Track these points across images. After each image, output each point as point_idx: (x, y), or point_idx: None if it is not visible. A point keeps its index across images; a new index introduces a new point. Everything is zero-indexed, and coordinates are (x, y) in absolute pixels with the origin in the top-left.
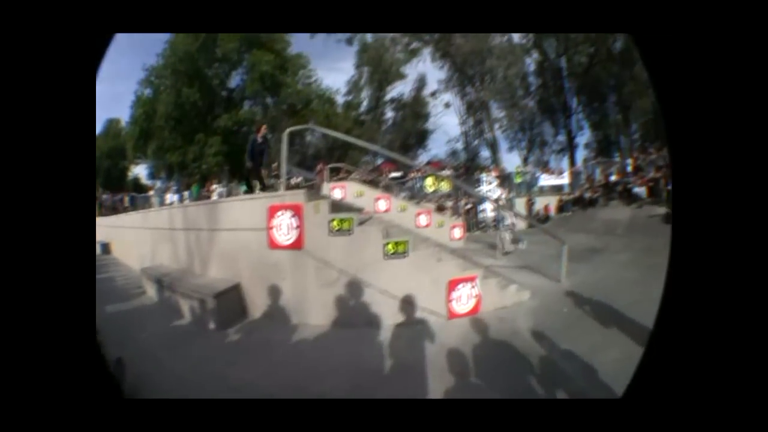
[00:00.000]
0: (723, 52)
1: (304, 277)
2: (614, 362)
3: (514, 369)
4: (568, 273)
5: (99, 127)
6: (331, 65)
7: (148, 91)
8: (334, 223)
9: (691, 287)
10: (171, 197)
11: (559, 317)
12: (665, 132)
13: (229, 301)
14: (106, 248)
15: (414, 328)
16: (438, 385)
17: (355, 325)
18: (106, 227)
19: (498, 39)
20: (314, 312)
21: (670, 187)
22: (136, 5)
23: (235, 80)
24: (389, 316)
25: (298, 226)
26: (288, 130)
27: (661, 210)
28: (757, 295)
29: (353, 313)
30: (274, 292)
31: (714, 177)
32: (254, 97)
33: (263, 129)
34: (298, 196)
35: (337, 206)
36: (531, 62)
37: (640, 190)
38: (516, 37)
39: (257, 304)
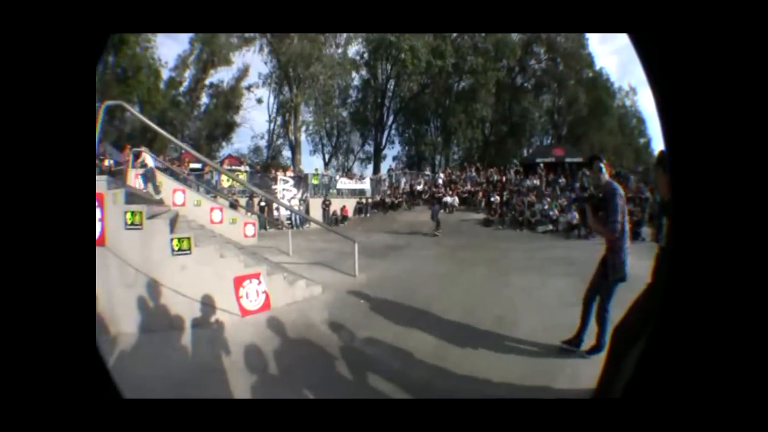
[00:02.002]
0: (723, 52)
1: (109, 278)
2: (430, 342)
3: (318, 360)
4: (367, 267)
5: None
6: (172, 34)
7: None
8: (128, 215)
9: (690, 287)
10: None
11: (357, 308)
12: (664, 132)
13: None
14: None
15: (211, 328)
16: (245, 383)
17: (158, 329)
18: None
19: (332, 50)
20: (124, 318)
21: (492, 199)
22: (133, 5)
23: None
24: (187, 316)
25: (101, 219)
26: (104, 104)
27: (476, 216)
28: (758, 294)
29: (155, 315)
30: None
31: (713, 177)
32: None
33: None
34: (99, 183)
35: (132, 197)
36: (357, 77)
37: (452, 200)
38: (351, 52)
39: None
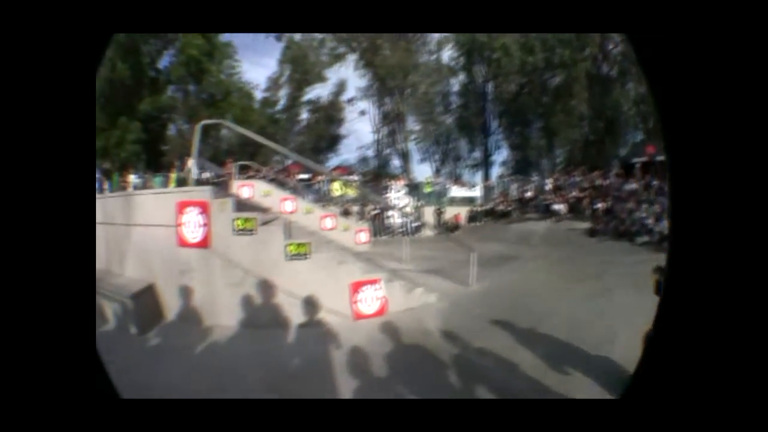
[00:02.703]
0: (721, 52)
1: (212, 277)
2: (534, 357)
3: (429, 366)
4: (480, 278)
5: None
6: (257, 60)
7: None
8: (238, 222)
9: (689, 288)
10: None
11: (470, 318)
12: (663, 132)
13: (146, 303)
14: None
15: (320, 328)
16: (351, 383)
17: (263, 326)
18: None
19: (426, 57)
20: (225, 313)
21: (597, 206)
22: (135, 5)
23: (164, 61)
24: (297, 316)
25: (204, 224)
26: (201, 123)
27: (582, 225)
28: (757, 295)
29: (260, 313)
30: (186, 292)
31: (712, 177)
32: (178, 82)
33: None
34: (204, 193)
35: (242, 205)
36: (456, 83)
37: (560, 207)
38: (445, 57)
39: (171, 305)
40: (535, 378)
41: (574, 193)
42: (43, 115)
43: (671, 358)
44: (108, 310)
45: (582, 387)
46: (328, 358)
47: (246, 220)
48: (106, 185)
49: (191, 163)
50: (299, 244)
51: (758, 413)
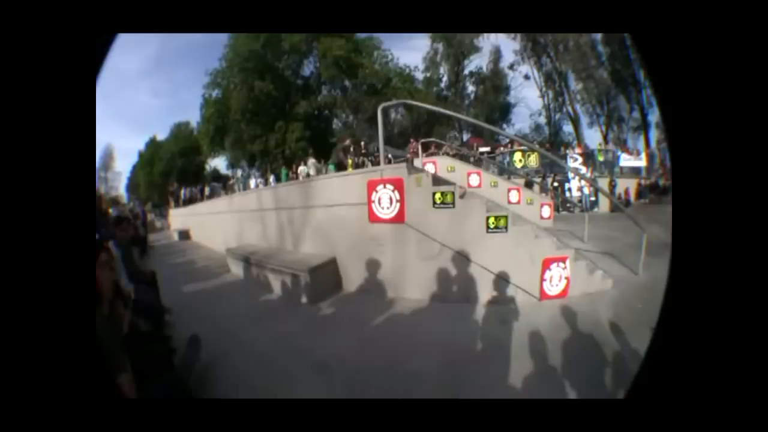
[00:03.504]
0: (723, 51)
1: (404, 251)
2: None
3: (593, 360)
4: (647, 266)
5: (166, 133)
6: (404, 44)
7: (215, 93)
8: (437, 195)
9: (693, 287)
10: (254, 182)
11: (634, 313)
12: (665, 132)
13: (324, 276)
14: (183, 235)
15: (507, 306)
16: (525, 369)
17: (450, 300)
18: (182, 216)
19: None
20: (411, 286)
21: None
22: (140, 5)
23: (308, 68)
24: (485, 292)
25: (399, 200)
26: (381, 106)
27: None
28: (760, 295)
29: (450, 287)
30: (372, 265)
31: (716, 177)
32: (332, 81)
33: None
34: (399, 170)
35: (436, 180)
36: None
37: None
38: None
39: (353, 278)
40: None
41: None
42: (43, 116)
43: (674, 359)
44: (275, 283)
45: None
46: (508, 340)
47: (444, 193)
48: (270, 181)
49: (380, 145)
50: (498, 217)
51: (761, 414)
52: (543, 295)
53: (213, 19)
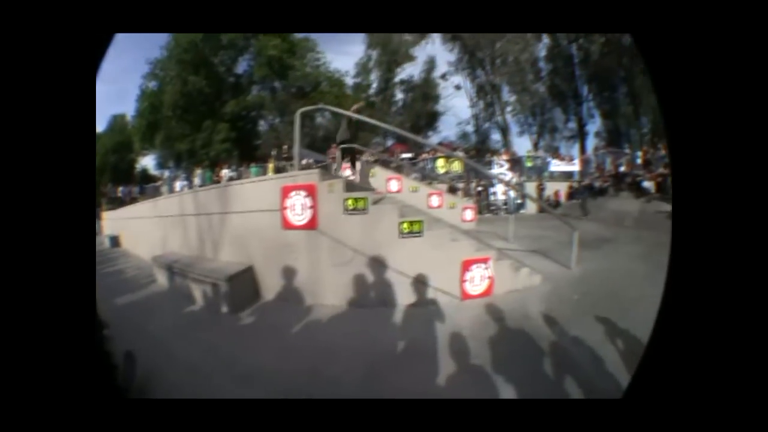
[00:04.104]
0: (724, 51)
1: (318, 257)
2: (619, 354)
3: (527, 353)
4: (578, 260)
5: (103, 124)
6: (340, 48)
7: (153, 84)
8: (349, 202)
9: (691, 287)
10: (180, 185)
11: (569, 304)
12: (665, 132)
13: (242, 284)
14: (114, 241)
15: (428, 308)
16: (451, 368)
17: (368, 305)
18: (114, 220)
19: None
20: (328, 292)
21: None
22: (137, 5)
23: (242, 66)
24: (403, 295)
25: (312, 206)
26: (300, 111)
27: (668, 207)
28: (758, 294)
29: (367, 292)
30: (288, 273)
31: (714, 176)
32: (262, 81)
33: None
34: (311, 176)
35: (350, 186)
36: (542, 47)
37: (649, 185)
38: None
39: (270, 286)
40: (617, 378)
41: (660, 170)
42: (43, 115)
43: (672, 358)
44: (198, 293)
45: None
46: (431, 341)
47: (357, 199)
48: (195, 181)
49: (294, 150)
50: (413, 222)
51: (759, 413)
52: (465, 295)
53: (213, 19)
